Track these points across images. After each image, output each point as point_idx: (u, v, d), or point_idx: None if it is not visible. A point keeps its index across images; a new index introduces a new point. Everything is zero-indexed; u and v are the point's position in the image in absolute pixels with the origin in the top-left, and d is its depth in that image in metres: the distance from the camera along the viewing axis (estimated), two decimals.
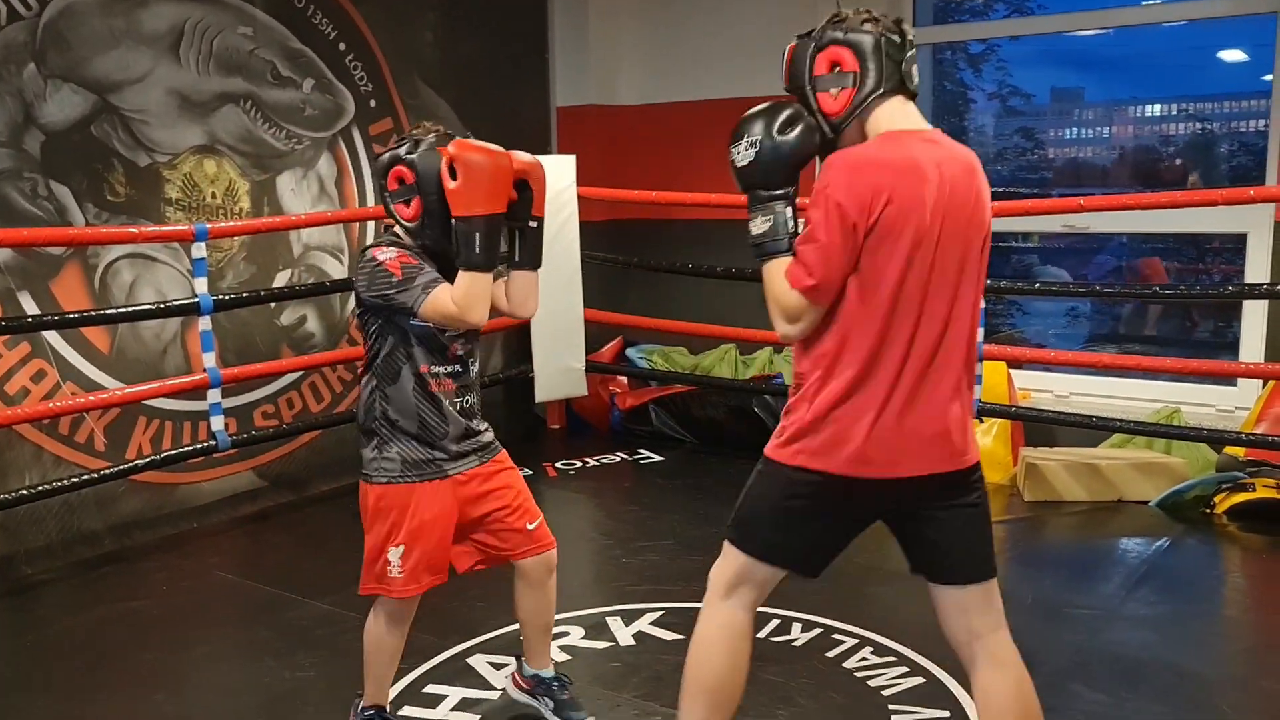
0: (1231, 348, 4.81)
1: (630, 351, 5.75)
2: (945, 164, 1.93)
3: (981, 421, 4.58)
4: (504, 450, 2.54)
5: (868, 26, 1.95)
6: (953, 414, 1.96)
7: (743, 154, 2.01)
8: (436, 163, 2.27)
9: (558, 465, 4.95)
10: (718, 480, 4.72)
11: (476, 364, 2.45)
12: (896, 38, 1.96)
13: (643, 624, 3.21)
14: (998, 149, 7.30)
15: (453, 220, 2.25)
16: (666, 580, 3.54)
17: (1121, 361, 4.80)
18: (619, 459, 5.06)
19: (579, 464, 4.98)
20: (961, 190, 1.93)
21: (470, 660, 3.00)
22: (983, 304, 2.11)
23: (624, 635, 3.14)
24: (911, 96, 2.00)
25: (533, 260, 2.41)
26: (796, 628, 3.15)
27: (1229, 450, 4.23)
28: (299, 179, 4.61)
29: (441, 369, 2.36)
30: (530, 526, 2.51)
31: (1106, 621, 3.22)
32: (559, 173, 5.11)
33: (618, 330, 5.70)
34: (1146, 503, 4.24)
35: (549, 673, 2.65)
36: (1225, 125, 6.90)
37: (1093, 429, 4.43)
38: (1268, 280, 4.43)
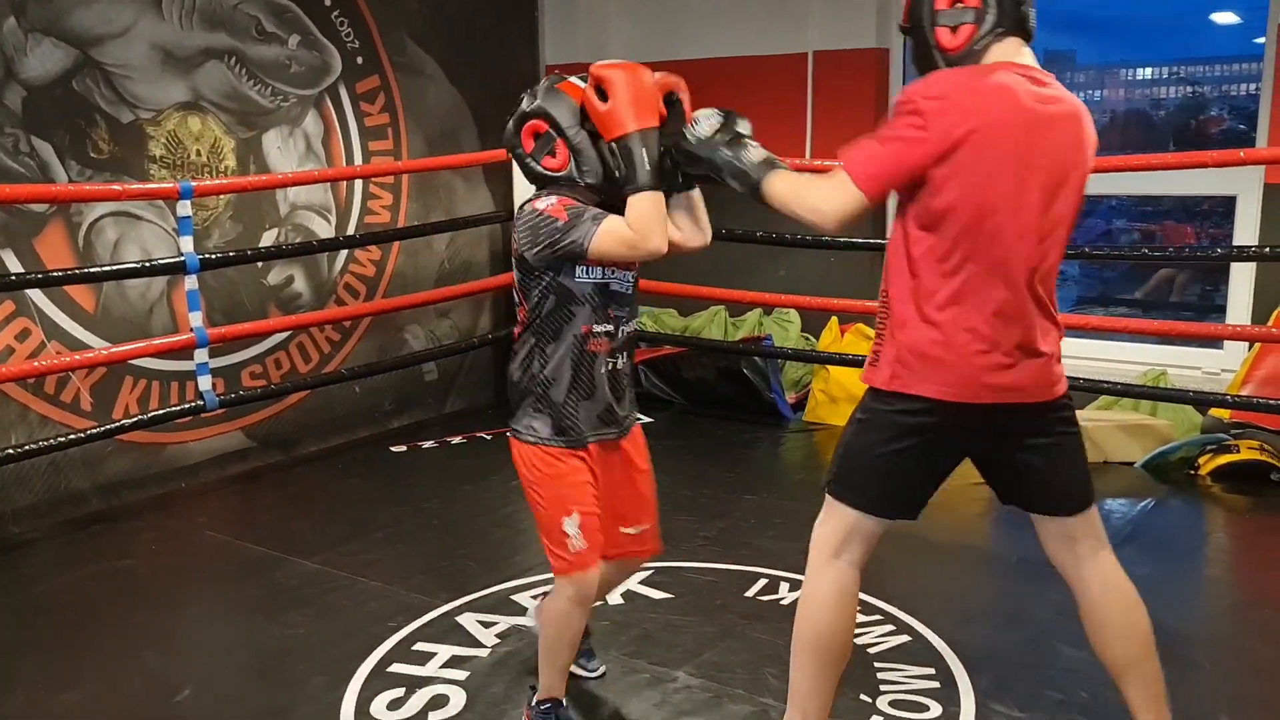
0: (1219, 310, 4.83)
1: None
2: (1047, 101, 1.97)
3: None
4: (638, 431, 2.45)
5: None
6: (1044, 342, 2.02)
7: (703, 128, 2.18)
8: (564, 98, 2.22)
9: None
10: (707, 441, 4.74)
11: (629, 328, 2.32)
12: None
13: (631, 583, 3.22)
14: None
15: (611, 144, 2.16)
16: None
17: (1109, 324, 4.81)
18: None
19: None
20: (1060, 129, 1.98)
21: (459, 619, 3.01)
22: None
23: (613, 594, 3.15)
24: (1028, 39, 2.05)
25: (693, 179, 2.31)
26: (784, 587, 3.17)
27: (1214, 412, 4.26)
28: (285, 137, 4.56)
29: (601, 328, 2.26)
30: (630, 530, 2.46)
31: None
32: None
33: None
34: (1132, 464, 4.27)
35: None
36: (1216, 88, 6.89)
37: (1080, 390, 4.41)
38: (1256, 243, 4.44)
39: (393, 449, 4.69)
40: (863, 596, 3.06)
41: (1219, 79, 7.00)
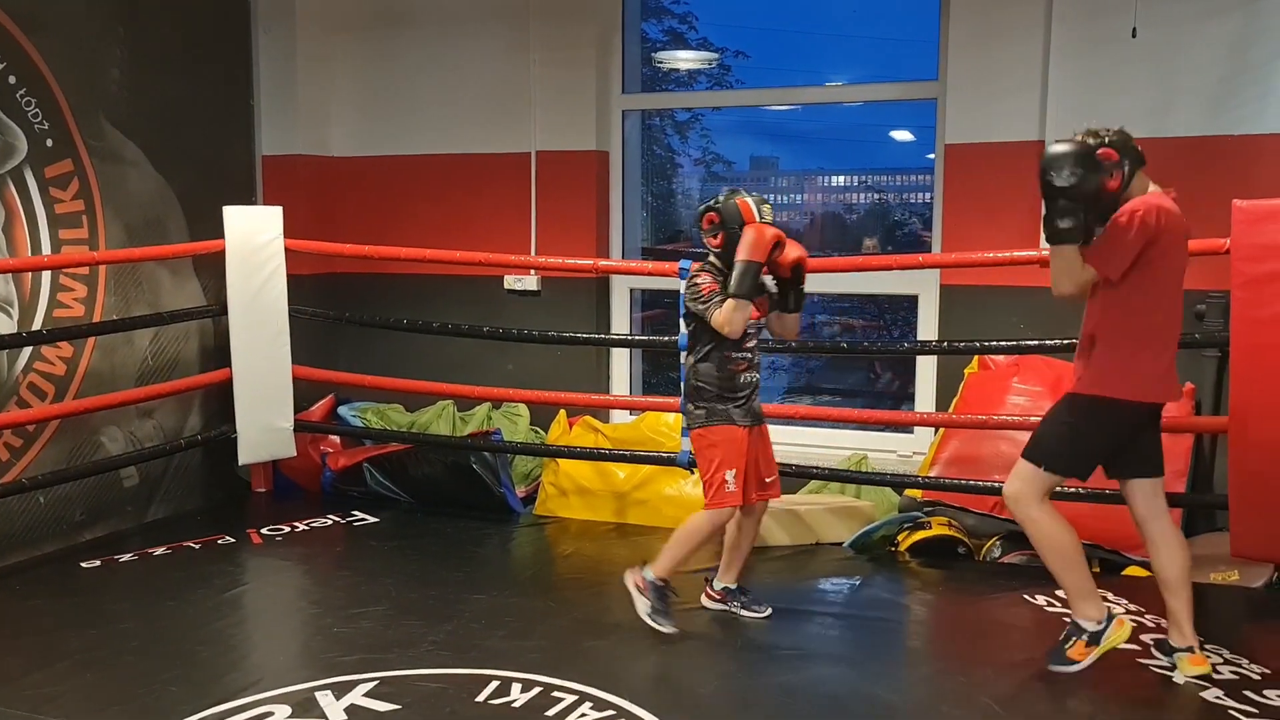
0: (910, 399, 5.28)
1: (343, 409, 5.54)
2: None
3: (693, 473, 4.75)
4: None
5: (1119, 135, 3.07)
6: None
7: (1065, 178, 2.99)
8: (735, 208, 3.50)
9: (264, 531, 4.67)
10: (436, 540, 4.61)
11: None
12: (1126, 137, 3.09)
13: (355, 696, 3.05)
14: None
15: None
16: (381, 648, 3.40)
17: (815, 413, 5.16)
18: (331, 522, 4.84)
19: (287, 529, 4.71)
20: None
21: None
22: None
23: (335, 711, 2.97)
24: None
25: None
26: (516, 688, 3.11)
27: (909, 492, 4.62)
28: None
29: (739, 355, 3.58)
30: (768, 480, 3.66)
31: (809, 660, 3.40)
32: (264, 225, 4.89)
33: (329, 388, 5.49)
34: (841, 544, 4.54)
35: (734, 585, 3.72)
36: (899, 196, 7.64)
37: (793, 476, 4.71)
38: (935, 338, 4.92)
39: (84, 565, 4.25)
40: (595, 692, 3.08)
41: (900, 188, 7.78)
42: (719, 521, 3.52)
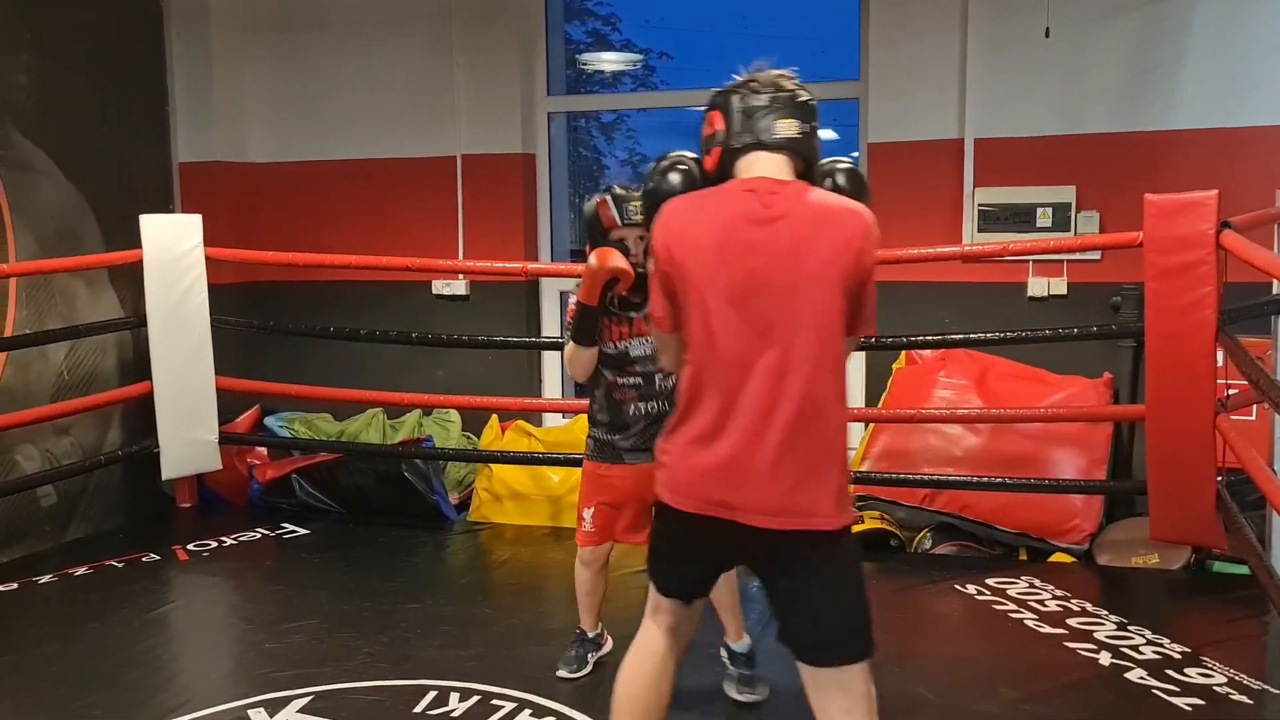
0: None
1: (269, 420, 5.44)
2: (761, 217, 1.98)
3: None
4: None
5: (740, 89, 2.08)
6: (783, 470, 1.95)
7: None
8: (593, 210, 2.91)
9: (190, 547, 4.55)
10: (368, 550, 4.55)
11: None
12: (760, 97, 2.04)
13: (289, 713, 2.99)
14: None
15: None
16: (314, 662, 3.34)
17: None
18: (260, 536, 4.74)
19: (214, 544, 4.61)
20: (785, 242, 1.96)
21: None
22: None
23: None
24: (776, 149, 2.04)
25: None
26: (454, 698, 3.08)
27: None
28: None
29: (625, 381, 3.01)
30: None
31: None
32: (183, 233, 4.77)
33: (254, 398, 5.38)
34: None
35: (739, 645, 3.11)
36: None
37: None
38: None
39: (0, 588, 4.11)
40: (534, 699, 3.05)
41: None
42: (584, 559, 3.13)
